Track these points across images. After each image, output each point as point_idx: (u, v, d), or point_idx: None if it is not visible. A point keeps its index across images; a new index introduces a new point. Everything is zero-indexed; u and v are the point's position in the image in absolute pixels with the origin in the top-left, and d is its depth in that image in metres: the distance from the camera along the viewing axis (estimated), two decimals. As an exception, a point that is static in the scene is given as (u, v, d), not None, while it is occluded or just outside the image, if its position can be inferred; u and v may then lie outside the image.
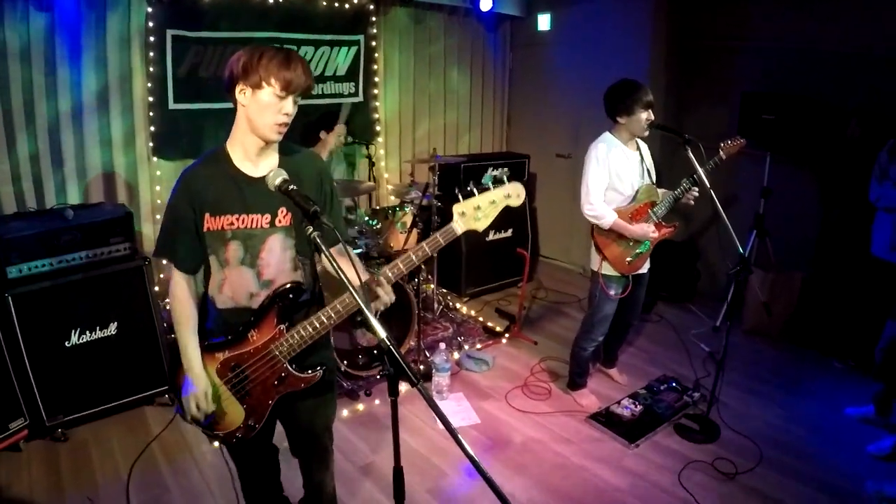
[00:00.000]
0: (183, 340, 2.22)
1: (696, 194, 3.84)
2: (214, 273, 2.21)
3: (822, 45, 5.13)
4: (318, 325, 2.11)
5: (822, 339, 5.09)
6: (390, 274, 2.10)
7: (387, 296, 2.06)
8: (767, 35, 5.51)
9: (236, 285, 2.19)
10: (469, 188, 2.10)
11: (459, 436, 1.54)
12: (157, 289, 4.24)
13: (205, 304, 2.31)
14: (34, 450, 3.65)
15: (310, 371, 2.22)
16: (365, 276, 2.04)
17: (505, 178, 2.09)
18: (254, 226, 2.15)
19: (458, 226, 2.10)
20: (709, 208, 5.77)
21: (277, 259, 2.19)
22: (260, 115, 2.04)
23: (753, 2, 5.59)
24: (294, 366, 2.19)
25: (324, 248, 1.82)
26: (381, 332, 1.61)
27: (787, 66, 5.39)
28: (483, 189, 2.10)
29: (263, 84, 2.00)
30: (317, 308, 2.20)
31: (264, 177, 2.05)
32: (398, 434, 1.74)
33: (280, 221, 2.17)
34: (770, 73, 5.52)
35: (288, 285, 2.17)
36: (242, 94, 2.04)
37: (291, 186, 1.94)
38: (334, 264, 1.80)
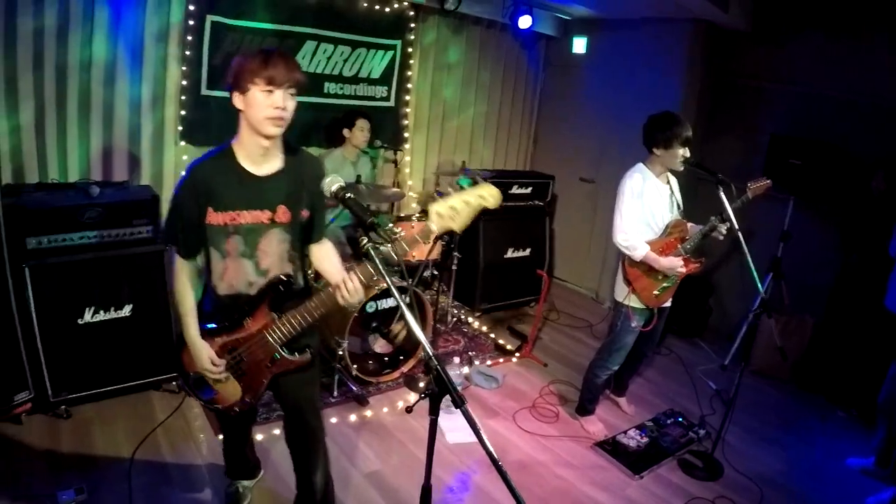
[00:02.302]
0: (186, 319, 2.44)
1: (725, 231, 3.80)
2: (216, 263, 2.40)
3: (855, 95, 5.14)
4: (307, 315, 2.32)
5: (828, 386, 5.08)
6: (360, 275, 2.17)
7: (354, 295, 2.19)
8: (803, 79, 5.52)
9: (236, 274, 2.40)
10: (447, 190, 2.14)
11: (494, 453, 1.51)
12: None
13: (205, 289, 2.52)
14: (35, 424, 3.60)
15: (298, 353, 2.44)
16: (342, 274, 2.23)
17: (479, 179, 2.11)
18: (254, 221, 2.33)
19: (434, 225, 2.12)
20: (727, 246, 5.82)
21: (274, 251, 2.39)
22: (254, 113, 2.18)
23: (791, 45, 5.59)
24: (285, 349, 2.41)
25: (377, 259, 1.90)
26: (430, 350, 1.58)
27: (819, 112, 5.40)
28: (459, 189, 2.18)
29: (249, 86, 2.15)
30: (305, 298, 2.38)
31: (267, 176, 2.32)
32: (433, 452, 1.71)
33: (279, 219, 2.35)
34: (801, 117, 5.52)
35: (279, 277, 2.38)
36: (238, 100, 2.21)
37: (349, 195, 2.03)
38: (380, 269, 1.92)
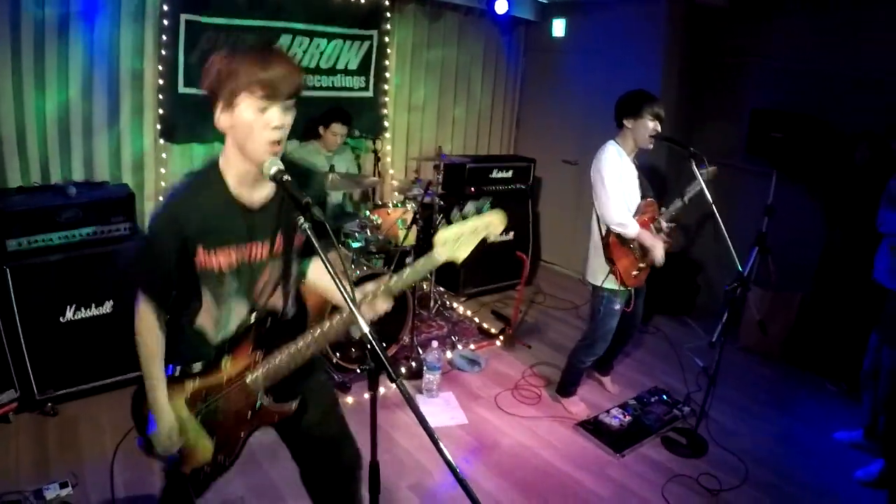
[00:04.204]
0: (155, 375, 2.00)
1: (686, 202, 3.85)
2: (208, 308, 2.02)
3: (837, 68, 5.12)
4: (293, 352, 1.97)
5: (817, 361, 5.08)
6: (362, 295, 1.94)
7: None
8: (783, 54, 5.51)
9: (232, 318, 2.04)
10: (453, 216, 2.03)
11: (435, 435, 1.55)
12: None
13: (181, 332, 2.07)
14: (23, 422, 3.68)
15: (286, 401, 2.10)
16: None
17: (486, 208, 2.03)
18: (254, 257, 2.00)
19: (440, 255, 1.97)
20: (711, 223, 5.83)
21: (270, 286, 2.08)
22: (247, 137, 1.79)
23: (772, 20, 5.58)
24: (271, 397, 2.07)
25: (315, 243, 1.67)
26: (365, 327, 1.61)
27: (801, 86, 5.38)
28: (465, 217, 2.04)
29: (236, 101, 1.76)
30: (299, 327, 2.11)
31: (262, 203, 1.96)
32: (376, 429, 1.76)
33: (277, 250, 2.03)
34: (783, 92, 5.51)
35: (266, 311, 2.07)
36: (225, 118, 1.82)
37: (286, 177, 1.74)
38: (326, 263, 1.65)
